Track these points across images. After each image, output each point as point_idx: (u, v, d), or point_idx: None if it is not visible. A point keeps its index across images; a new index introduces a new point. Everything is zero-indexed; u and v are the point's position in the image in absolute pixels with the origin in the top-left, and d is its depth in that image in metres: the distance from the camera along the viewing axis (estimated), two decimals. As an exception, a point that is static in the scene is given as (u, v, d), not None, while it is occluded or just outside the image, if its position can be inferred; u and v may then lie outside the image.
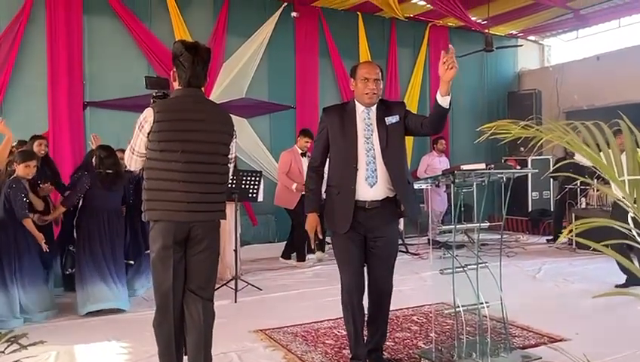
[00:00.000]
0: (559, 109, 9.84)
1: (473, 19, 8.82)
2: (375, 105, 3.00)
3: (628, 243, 1.47)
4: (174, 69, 2.64)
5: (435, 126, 2.93)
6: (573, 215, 7.38)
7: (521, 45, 10.44)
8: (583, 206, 7.44)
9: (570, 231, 1.44)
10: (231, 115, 2.84)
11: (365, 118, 2.98)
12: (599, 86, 9.12)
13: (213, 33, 7.76)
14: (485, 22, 9.23)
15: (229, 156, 2.78)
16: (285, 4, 8.30)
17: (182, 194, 2.57)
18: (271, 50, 8.25)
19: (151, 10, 7.51)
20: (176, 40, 2.72)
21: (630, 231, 1.40)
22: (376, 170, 2.92)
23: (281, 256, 6.64)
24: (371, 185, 2.91)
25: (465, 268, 3.35)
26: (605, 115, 1.81)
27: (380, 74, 2.98)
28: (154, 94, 2.81)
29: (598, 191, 7.30)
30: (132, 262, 5.03)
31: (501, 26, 9.87)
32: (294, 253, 6.57)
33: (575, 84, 9.55)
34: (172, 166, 2.57)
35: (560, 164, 2.24)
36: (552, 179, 8.84)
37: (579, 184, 7.54)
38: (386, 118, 2.96)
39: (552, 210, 8.88)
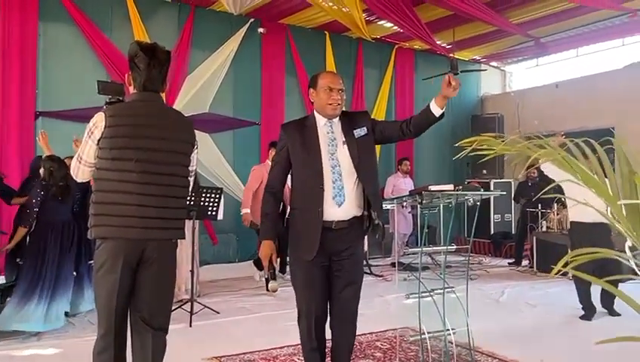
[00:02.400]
0: (520, 133, 10.03)
1: (438, 42, 8.94)
2: (337, 118, 2.81)
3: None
4: (129, 72, 2.43)
5: (421, 129, 2.80)
6: (535, 238, 7.48)
7: (484, 70, 10.67)
8: (544, 229, 7.53)
9: (566, 264, 1.33)
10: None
11: (328, 131, 2.77)
12: (558, 112, 9.35)
13: (177, 45, 7.54)
14: (450, 46, 9.38)
15: (190, 168, 2.55)
16: (252, 19, 8.20)
17: (135, 209, 2.31)
18: (236, 65, 8.11)
19: (112, 20, 7.26)
20: (133, 41, 2.51)
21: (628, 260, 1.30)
22: (343, 187, 2.69)
23: (254, 263, 6.46)
24: (339, 205, 2.68)
25: (431, 294, 3.24)
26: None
27: (343, 85, 2.81)
28: (107, 100, 2.59)
29: (558, 214, 7.42)
30: (75, 273, 4.73)
31: (465, 51, 10.07)
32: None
33: (535, 109, 9.77)
34: (125, 176, 2.31)
35: (548, 187, 2.19)
36: (513, 202, 8.95)
37: (540, 207, 7.65)
38: (354, 132, 2.78)
39: (513, 232, 8.96)
